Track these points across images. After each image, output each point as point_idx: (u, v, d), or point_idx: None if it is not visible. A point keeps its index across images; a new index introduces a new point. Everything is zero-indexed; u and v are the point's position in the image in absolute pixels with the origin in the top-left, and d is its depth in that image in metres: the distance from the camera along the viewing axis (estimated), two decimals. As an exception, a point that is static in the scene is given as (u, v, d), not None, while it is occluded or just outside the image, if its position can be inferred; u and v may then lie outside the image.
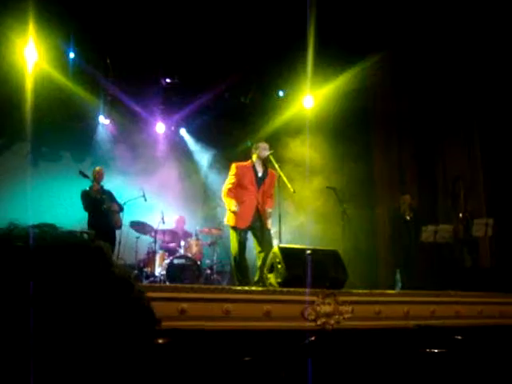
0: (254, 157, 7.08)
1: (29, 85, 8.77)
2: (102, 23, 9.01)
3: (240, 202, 6.81)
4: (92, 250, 0.77)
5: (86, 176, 8.44)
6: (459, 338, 4.61)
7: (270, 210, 6.97)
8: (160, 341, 0.79)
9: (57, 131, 10.16)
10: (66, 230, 0.81)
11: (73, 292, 0.70)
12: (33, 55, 8.78)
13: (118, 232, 8.76)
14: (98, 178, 8.68)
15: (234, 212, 6.66)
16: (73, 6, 8.45)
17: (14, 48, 8.59)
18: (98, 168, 8.88)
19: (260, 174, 7.03)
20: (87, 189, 8.48)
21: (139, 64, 10.24)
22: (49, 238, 0.77)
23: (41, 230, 0.79)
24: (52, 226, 0.81)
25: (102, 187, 8.71)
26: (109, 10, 8.70)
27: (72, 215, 8.57)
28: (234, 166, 7.06)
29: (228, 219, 6.86)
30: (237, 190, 6.90)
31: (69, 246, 0.76)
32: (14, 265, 0.70)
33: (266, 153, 6.98)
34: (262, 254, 6.56)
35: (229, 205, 6.77)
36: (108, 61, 10.06)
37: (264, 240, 6.80)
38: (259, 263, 6.60)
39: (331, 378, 3.96)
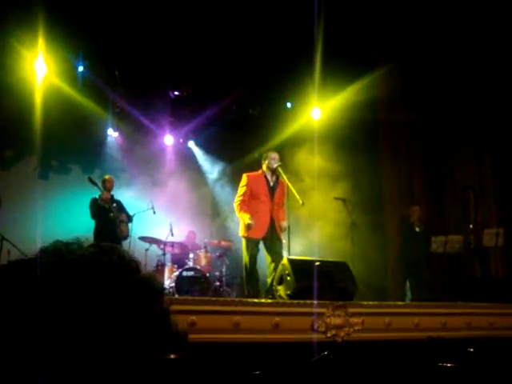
0: (264, 166, 7.07)
1: (38, 98, 8.82)
2: (111, 36, 9.06)
3: (254, 212, 6.79)
4: (115, 268, 0.78)
5: (94, 183, 8.47)
6: (471, 350, 4.57)
7: (285, 225, 6.94)
8: (172, 356, 0.78)
9: (66, 144, 10.22)
10: (94, 248, 0.82)
11: (91, 308, 0.71)
12: (42, 68, 8.84)
13: (127, 244, 8.74)
14: (107, 186, 8.71)
15: (248, 225, 6.63)
16: (82, 20, 8.51)
17: (24, 61, 8.64)
18: (107, 176, 8.92)
19: (272, 184, 7.03)
20: (96, 197, 8.49)
21: (148, 77, 10.28)
22: (76, 255, 0.78)
23: (66, 246, 0.81)
24: (78, 242, 0.83)
25: (112, 196, 8.75)
26: (118, 23, 8.76)
27: (82, 227, 8.58)
28: (245, 176, 7.05)
29: (242, 230, 6.81)
30: (250, 201, 6.87)
31: (94, 263, 0.77)
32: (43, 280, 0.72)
33: (276, 163, 6.97)
34: (273, 265, 6.53)
35: (243, 219, 6.72)
36: (116, 73, 10.11)
37: (275, 251, 6.79)
38: (270, 275, 6.58)
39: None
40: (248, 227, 6.64)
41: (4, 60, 8.46)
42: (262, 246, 6.89)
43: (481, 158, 10.63)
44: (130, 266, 0.81)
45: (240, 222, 6.90)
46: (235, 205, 6.92)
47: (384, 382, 4.18)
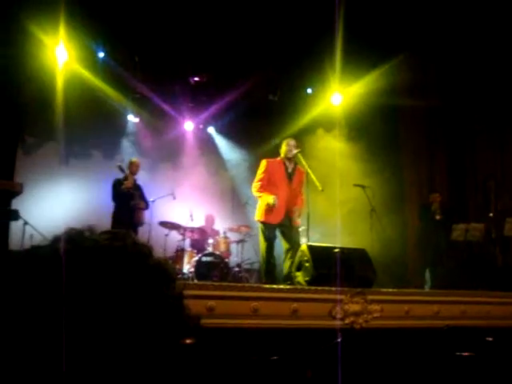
0: (283, 154, 7.05)
1: (59, 84, 8.88)
2: (131, 23, 9.08)
3: None
4: (129, 254, 0.79)
5: (123, 171, 8.50)
6: (490, 339, 4.54)
7: (298, 208, 6.91)
8: (188, 341, 0.80)
9: (87, 130, 10.27)
10: (107, 234, 0.83)
11: (106, 294, 0.72)
12: (63, 55, 8.90)
13: (147, 229, 8.79)
14: (133, 169, 8.72)
15: (272, 205, 6.57)
16: (102, 6, 8.53)
17: (45, 48, 8.70)
18: (133, 159, 8.91)
19: (290, 170, 7.01)
20: (121, 178, 8.49)
21: (168, 63, 10.29)
22: (89, 242, 0.79)
23: (80, 233, 0.82)
24: (91, 230, 0.84)
25: (135, 180, 8.74)
26: (137, 9, 8.77)
27: (102, 212, 8.64)
28: (264, 161, 7.03)
29: (258, 215, 6.81)
30: (268, 187, 6.85)
31: (108, 250, 0.78)
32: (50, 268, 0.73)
33: (294, 150, 6.95)
34: (290, 252, 6.53)
35: (265, 199, 6.64)
36: (137, 59, 10.13)
37: (292, 237, 6.77)
38: (286, 261, 6.58)
39: (359, 377, 3.93)
40: (270, 207, 6.60)
41: (26, 47, 8.50)
42: (278, 233, 6.89)
43: (503, 145, 10.49)
44: (143, 251, 0.82)
45: (258, 206, 6.88)
46: (254, 188, 6.89)
47: (401, 370, 4.18)
